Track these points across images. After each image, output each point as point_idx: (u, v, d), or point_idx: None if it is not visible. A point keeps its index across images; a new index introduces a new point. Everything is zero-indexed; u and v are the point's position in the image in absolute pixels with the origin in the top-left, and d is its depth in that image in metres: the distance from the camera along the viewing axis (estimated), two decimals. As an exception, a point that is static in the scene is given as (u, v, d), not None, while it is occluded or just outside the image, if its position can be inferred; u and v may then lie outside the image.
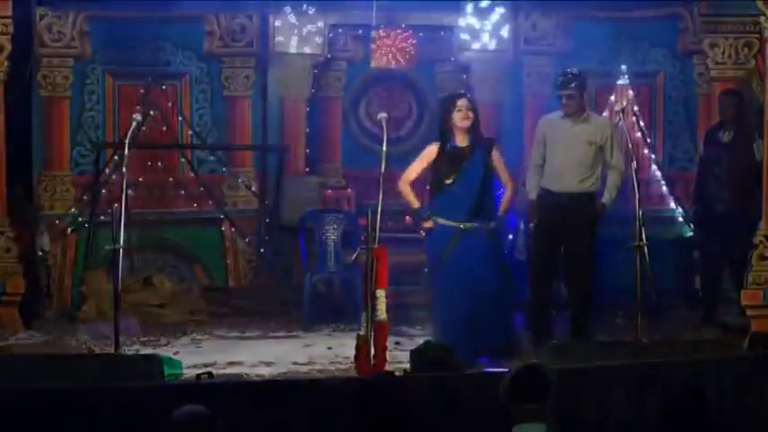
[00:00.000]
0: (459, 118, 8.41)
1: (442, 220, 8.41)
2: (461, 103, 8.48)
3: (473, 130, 8.49)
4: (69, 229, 11.30)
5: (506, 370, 5.36)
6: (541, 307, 9.26)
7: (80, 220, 11.30)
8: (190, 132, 11.70)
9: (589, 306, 9.11)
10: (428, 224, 8.47)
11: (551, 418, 5.01)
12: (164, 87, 11.67)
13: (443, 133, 8.55)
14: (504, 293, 8.44)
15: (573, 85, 9.07)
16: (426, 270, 9.54)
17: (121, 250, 7.83)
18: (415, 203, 8.69)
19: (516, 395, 5.03)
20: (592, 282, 9.20)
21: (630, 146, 8.96)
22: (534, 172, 9.30)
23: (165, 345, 9.42)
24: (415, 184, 8.77)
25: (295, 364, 8.50)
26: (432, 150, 8.55)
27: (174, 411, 4.84)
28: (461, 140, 8.46)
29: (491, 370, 7.65)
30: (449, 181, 8.42)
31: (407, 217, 11.51)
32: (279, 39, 11.54)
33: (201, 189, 11.61)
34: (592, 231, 9.11)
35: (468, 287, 8.29)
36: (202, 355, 8.75)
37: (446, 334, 8.26)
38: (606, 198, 9.17)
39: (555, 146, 9.14)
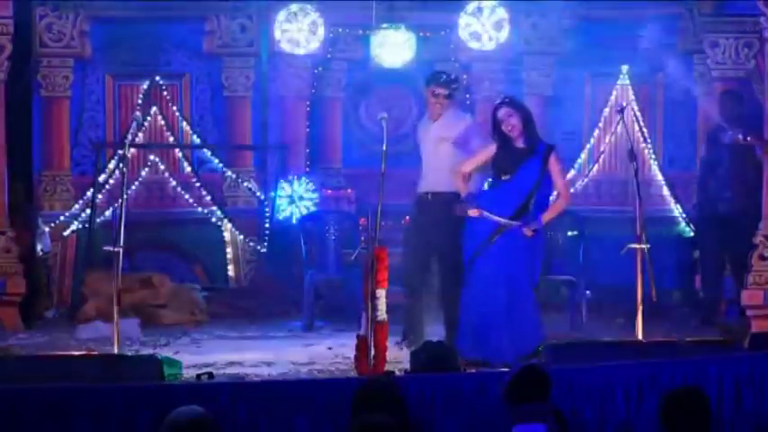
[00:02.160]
0: (505, 128, 8.38)
1: (487, 213, 8.34)
2: (500, 114, 8.41)
3: (526, 133, 8.34)
4: (69, 230, 11.30)
5: (507, 370, 5.37)
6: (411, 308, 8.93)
7: (80, 219, 11.31)
8: (190, 132, 11.70)
9: (457, 303, 8.61)
10: (473, 212, 8.36)
11: (551, 418, 5.02)
12: (164, 87, 11.67)
13: (498, 138, 8.46)
14: (533, 296, 8.32)
15: (453, 86, 8.90)
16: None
17: (121, 250, 7.83)
18: (467, 190, 8.65)
19: (517, 395, 5.03)
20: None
21: (630, 146, 8.92)
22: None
23: (165, 345, 9.41)
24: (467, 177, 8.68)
25: (295, 364, 8.48)
26: (491, 149, 8.51)
27: (171, 412, 4.84)
28: (519, 142, 8.39)
29: (491, 370, 7.66)
30: (506, 177, 8.38)
31: (407, 217, 11.51)
32: (279, 39, 11.53)
33: (201, 188, 11.61)
34: (455, 231, 8.68)
35: (494, 289, 8.20)
36: (202, 355, 8.74)
37: (460, 332, 8.27)
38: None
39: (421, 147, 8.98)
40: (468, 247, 8.36)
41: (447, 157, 8.71)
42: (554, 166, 8.35)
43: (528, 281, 8.25)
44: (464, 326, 8.29)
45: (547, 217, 8.32)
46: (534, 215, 8.24)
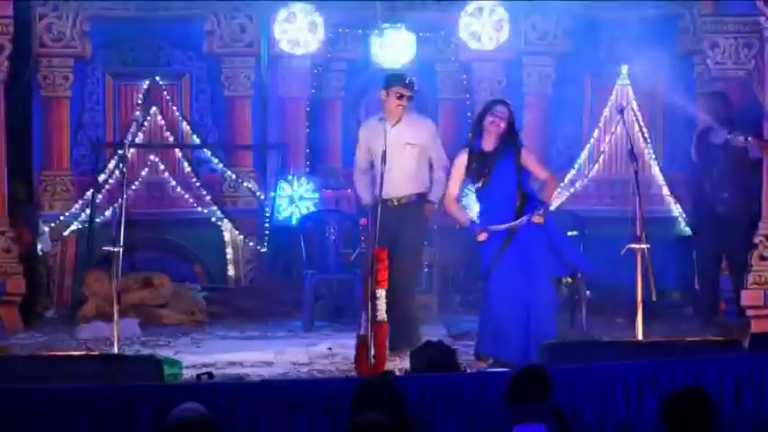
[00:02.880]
0: (489, 122, 8.33)
1: (493, 227, 8.30)
2: (498, 108, 8.38)
3: (503, 137, 8.29)
4: (69, 229, 11.30)
5: (507, 370, 5.37)
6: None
7: (80, 219, 11.31)
8: (190, 132, 11.71)
9: (413, 305, 8.71)
10: (482, 236, 8.28)
11: (552, 418, 5.02)
12: (164, 87, 11.67)
13: (472, 135, 8.43)
14: (551, 294, 8.28)
15: (415, 88, 8.84)
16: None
17: (121, 250, 7.83)
18: (466, 219, 8.55)
19: (518, 396, 5.03)
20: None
21: (630, 146, 8.92)
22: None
23: (165, 344, 9.42)
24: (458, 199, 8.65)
25: (295, 364, 8.49)
26: (461, 159, 8.38)
27: (172, 410, 4.85)
28: (488, 145, 8.33)
29: (492, 370, 7.66)
30: (479, 185, 8.36)
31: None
32: (279, 39, 11.53)
33: (201, 188, 11.62)
34: (424, 234, 8.78)
35: (513, 292, 8.18)
36: (202, 355, 8.74)
37: (480, 333, 8.28)
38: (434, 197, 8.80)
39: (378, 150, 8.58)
40: (485, 260, 8.34)
41: (412, 161, 8.63)
42: (528, 159, 8.32)
43: (548, 277, 8.20)
44: (484, 327, 8.29)
45: (547, 197, 8.34)
46: (534, 205, 8.23)
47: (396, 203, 8.60)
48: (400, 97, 8.61)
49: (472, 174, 8.35)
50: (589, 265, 8.71)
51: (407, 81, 8.72)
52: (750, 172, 9.90)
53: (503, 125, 8.28)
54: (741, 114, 10.48)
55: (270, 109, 11.77)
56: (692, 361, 6.68)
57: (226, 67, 11.68)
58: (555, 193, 8.47)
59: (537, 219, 8.14)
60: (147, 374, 6.95)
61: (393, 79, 8.77)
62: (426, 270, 11.07)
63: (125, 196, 8.11)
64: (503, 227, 8.19)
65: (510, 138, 8.32)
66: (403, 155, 8.59)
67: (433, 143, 8.84)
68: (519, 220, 8.18)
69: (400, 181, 8.60)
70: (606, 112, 11.68)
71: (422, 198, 8.73)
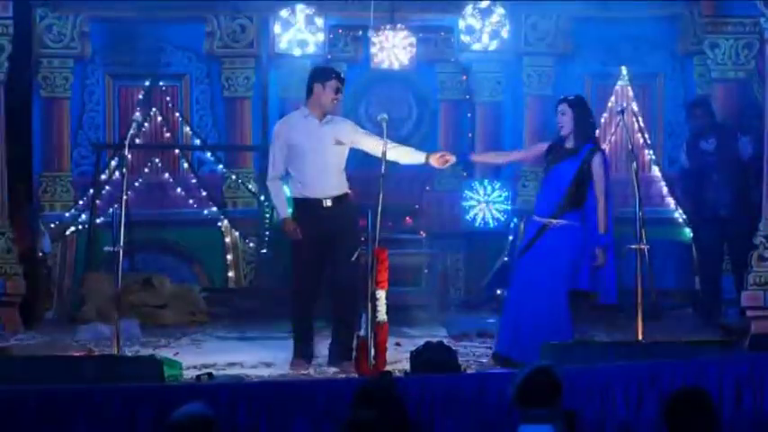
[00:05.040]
0: (558, 122, 8.36)
1: (533, 216, 8.35)
2: (559, 108, 8.37)
3: (578, 134, 8.23)
4: (69, 230, 11.30)
5: (508, 371, 5.35)
6: (301, 321, 8.64)
7: (80, 220, 11.31)
8: (190, 133, 11.71)
9: (357, 310, 8.35)
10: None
11: (559, 420, 5.00)
12: (164, 88, 11.67)
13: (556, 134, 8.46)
14: (564, 301, 8.17)
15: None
16: None
17: (121, 251, 7.84)
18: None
19: (526, 398, 5.01)
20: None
21: (631, 146, 8.92)
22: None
23: (165, 345, 9.41)
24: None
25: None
26: (545, 144, 8.45)
27: (175, 410, 4.85)
28: (569, 142, 8.31)
29: (492, 371, 7.66)
30: (544, 175, 8.41)
31: (407, 217, 11.53)
32: (279, 39, 11.53)
33: (201, 189, 11.62)
34: (358, 232, 8.45)
35: (534, 288, 8.18)
36: (202, 356, 8.74)
37: (501, 328, 8.29)
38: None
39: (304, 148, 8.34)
40: (520, 246, 8.39)
41: (340, 158, 8.40)
42: (596, 168, 8.18)
43: (565, 283, 8.18)
44: (505, 323, 8.28)
45: (601, 225, 8.13)
46: (580, 214, 8.16)
47: (329, 203, 8.34)
48: (337, 91, 8.33)
49: (544, 163, 8.39)
50: (614, 297, 8.42)
51: (342, 75, 8.49)
52: (746, 172, 9.92)
53: (566, 120, 8.24)
54: (728, 116, 10.53)
55: (270, 109, 11.77)
56: (692, 361, 6.68)
57: (226, 68, 11.68)
58: (603, 215, 8.17)
59: (597, 261, 8.09)
60: (147, 375, 6.96)
61: (330, 72, 8.42)
62: (426, 270, 11.08)
63: (125, 197, 8.10)
64: (537, 219, 8.22)
65: (587, 137, 8.26)
66: (333, 153, 8.34)
67: (359, 132, 8.58)
68: (555, 222, 8.17)
69: (331, 180, 8.35)
70: (606, 112, 11.67)
71: (347, 197, 8.52)
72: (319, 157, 8.25)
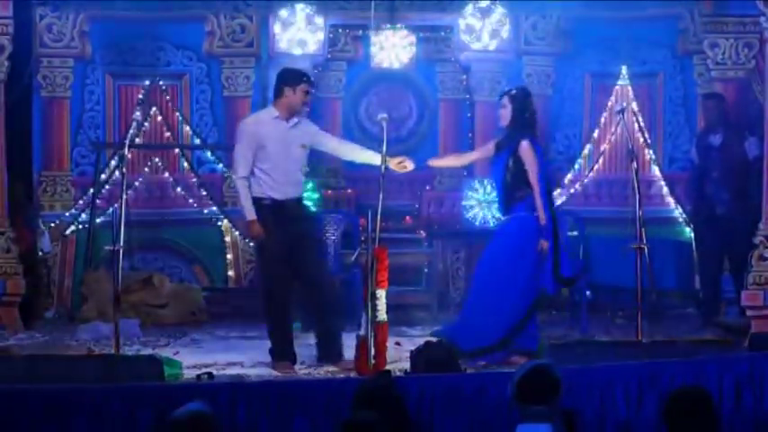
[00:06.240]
0: (500, 115, 8.39)
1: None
2: (501, 101, 8.39)
3: (514, 126, 8.24)
4: (69, 230, 11.30)
5: (513, 371, 5.35)
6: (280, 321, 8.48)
7: (80, 220, 11.31)
8: (190, 132, 11.71)
9: (337, 305, 8.48)
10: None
11: (558, 419, 5.00)
12: (164, 87, 11.67)
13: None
14: (517, 292, 8.25)
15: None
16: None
17: (121, 250, 7.84)
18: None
19: (525, 396, 5.02)
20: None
21: (630, 146, 8.92)
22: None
23: (165, 345, 9.41)
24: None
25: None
26: (492, 143, 8.50)
27: (176, 410, 4.86)
28: (506, 136, 8.37)
29: (492, 371, 7.66)
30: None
31: (407, 217, 11.54)
32: (279, 39, 11.53)
33: (201, 189, 11.62)
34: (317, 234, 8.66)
35: (484, 282, 8.24)
36: (202, 355, 8.74)
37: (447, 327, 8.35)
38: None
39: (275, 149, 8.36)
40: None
41: (303, 161, 8.48)
42: (525, 157, 8.17)
43: (517, 274, 8.17)
44: (461, 313, 8.37)
45: (540, 214, 8.18)
46: (525, 205, 8.18)
47: (292, 204, 8.37)
48: (307, 94, 8.38)
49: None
50: (551, 287, 8.42)
51: (312, 79, 8.55)
52: (749, 173, 9.91)
53: (503, 112, 8.27)
54: (738, 115, 10.51)
55: (270, 109, 11.76)
56: (692, 361, 6.68)
57: (226, 68, 11.68)
58: (539, 202, 8.17)
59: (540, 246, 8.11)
60: (147, 374, 6.96)
61: (300, 76, 8.45)
62: (426, 270, 11.09)
63: (125, 196, 8.10)
64: (497, 217, 8.27)
65: (513, 130, 8.28)
66: (298, 155, 8.40)
67: (321, 134, 8.68)
68: (504, 218, 8.22)
69: (295, 182, 8.40)
70: (606, 112, 11.68)
71: (303, 199, 8.65)
72: (286, 158, 8.31)
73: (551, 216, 8.23)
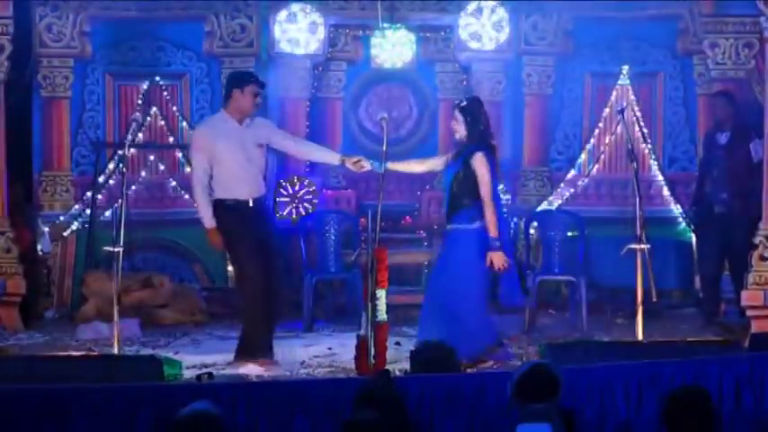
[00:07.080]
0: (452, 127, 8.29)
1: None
2: (453, 113, 8.22)
3: (468, 138, 8.06)
4: (69, 230, 11.30)
5: (509, 371, 5.36)
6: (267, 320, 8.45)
7: (80, 220, 11.31)
8: (189, 132, 11.71)
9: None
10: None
11: (557, 418, 5.01)
12: (164, 87, 11.67)
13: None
14: (464, 302, 8.06)
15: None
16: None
17: (121, 250, 7.83)
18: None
19: (524, 395, 5.02)
20: None
21: (630, 146, 8.92)
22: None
23: (165, 345, 9.42)
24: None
25: (295, 364, 8.49)
26: (447, 155, 8.39)
27: (180, 409, 4.86)
28: (461, 147, 8.23)
29: (492, 371, 7.66)
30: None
31: (407, 217, 11.54)
32: (279, 39, 11.54)
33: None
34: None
35: (433, 292, 8.23)
36: (202, 355, 8.74)
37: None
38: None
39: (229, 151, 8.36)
40: None
41: (261, 160, 8.45)
42: (478, 169, 7.99)
43: (462, 284, 8.05)
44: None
45: (490, 228, 7.94)
46: (470, 216, 8.05)
47: (252, 204, 8.36)
48: (256, 95, 8.40)
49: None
50: (519, 298, 8.40)
51: (261, 79, 8.57)
52: (751, 173, 9.89)
53: (456, 126, 8.13)
54: (744, 115, 10.49)
55: (270, 109, 11.76)
56: (692, 361, 6.68)
57: (226, 68, 11.67)
58: (491, 217, 7.93)
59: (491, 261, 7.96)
60: (147, 374, 6.96)
61: (248, 77, 8.50)
62: (426, 270, 11.08)
63: (125, 196, 8.10)
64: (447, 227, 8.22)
65: (470, 142, 8.08)
66: (254, 154, 8.40)
67: (277, 133, 8.68)
68: (450, 227, 8.15)
69: (254, 181, 8.40)
70: (606, 112, 11.67)
71: (264, 198, 8.62)
72: (243, 159, 8.31)
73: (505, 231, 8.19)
